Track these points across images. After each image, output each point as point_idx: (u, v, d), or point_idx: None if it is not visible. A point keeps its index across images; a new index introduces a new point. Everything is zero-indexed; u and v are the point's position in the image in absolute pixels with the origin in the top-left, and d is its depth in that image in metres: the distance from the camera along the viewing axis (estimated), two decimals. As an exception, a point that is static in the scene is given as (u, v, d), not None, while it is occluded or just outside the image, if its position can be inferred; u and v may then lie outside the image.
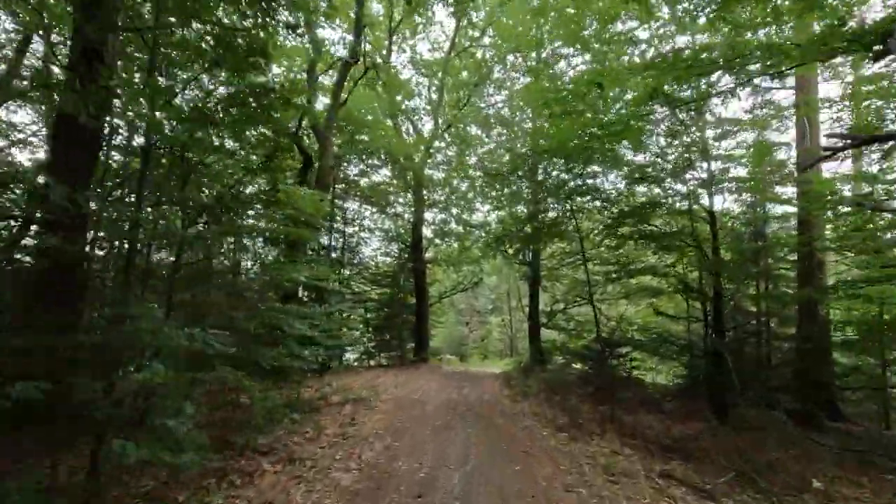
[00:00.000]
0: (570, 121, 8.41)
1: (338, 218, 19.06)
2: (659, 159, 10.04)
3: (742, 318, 11.29)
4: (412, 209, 19.39)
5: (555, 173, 10.95)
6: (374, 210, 20.26)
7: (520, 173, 12.19)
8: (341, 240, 18.78)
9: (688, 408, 9.52)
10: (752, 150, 10.07)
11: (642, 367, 14.76)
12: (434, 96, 19.59)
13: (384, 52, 16.47)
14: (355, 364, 18.09)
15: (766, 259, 11.23)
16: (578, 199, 11.16)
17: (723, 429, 7.80)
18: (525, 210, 14.73)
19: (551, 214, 12.59)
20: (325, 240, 17.63)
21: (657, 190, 10.38)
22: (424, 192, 19.40)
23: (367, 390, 9.43)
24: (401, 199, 20.56)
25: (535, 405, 8.70)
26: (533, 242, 11.20)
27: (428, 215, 21.24)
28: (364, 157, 15.94)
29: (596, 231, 13.24)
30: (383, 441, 5.98)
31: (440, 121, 19.01)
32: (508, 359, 32.75)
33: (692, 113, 9.29)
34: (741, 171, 9.92)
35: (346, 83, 11.80)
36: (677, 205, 10.11)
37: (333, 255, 18.21)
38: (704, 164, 9.64)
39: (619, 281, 13.57)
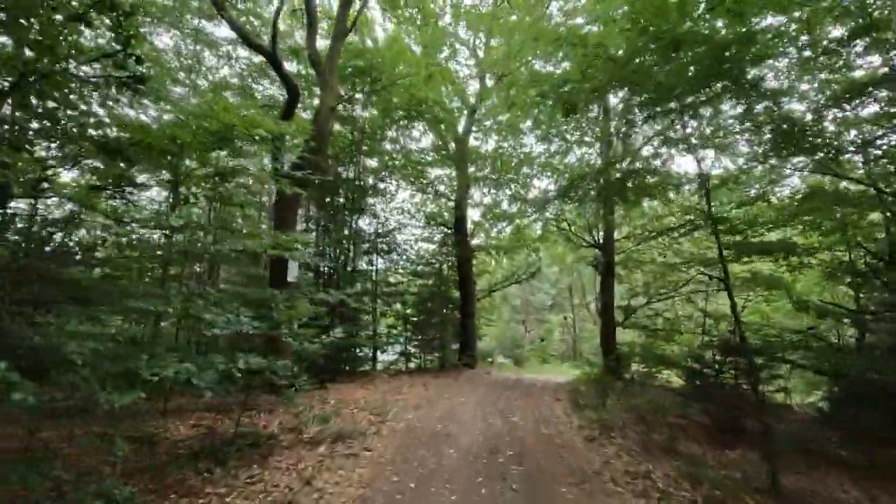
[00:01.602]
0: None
1: (370, 200, 16.61)
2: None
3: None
4: (455, 185, 16.46)
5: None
6: (412, 189, 17.56)
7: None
8: (374, 223, 16.23)
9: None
10: None
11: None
12: (480, 54, 16.56)
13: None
14: (391, 367, 15.53)
15: None
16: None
17: None
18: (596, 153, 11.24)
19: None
20: (362, 223, 15.24)
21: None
22: (470, 166, 16.40)
23: (374, 413, 6.65)
24: (442, 174, 17.71)
25: (625, 453, 5.45)
26: (619, 195, 7.75)
27: (476, 195, 18.29)
28: (398, 120, 13.14)
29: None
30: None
31: (487, 77, 15.93)
32: (571, 363, 28.88)
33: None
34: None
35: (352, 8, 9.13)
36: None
37: (366, 243, 15.76)
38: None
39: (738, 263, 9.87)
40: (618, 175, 7.64)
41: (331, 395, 7.75)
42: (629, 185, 7.20)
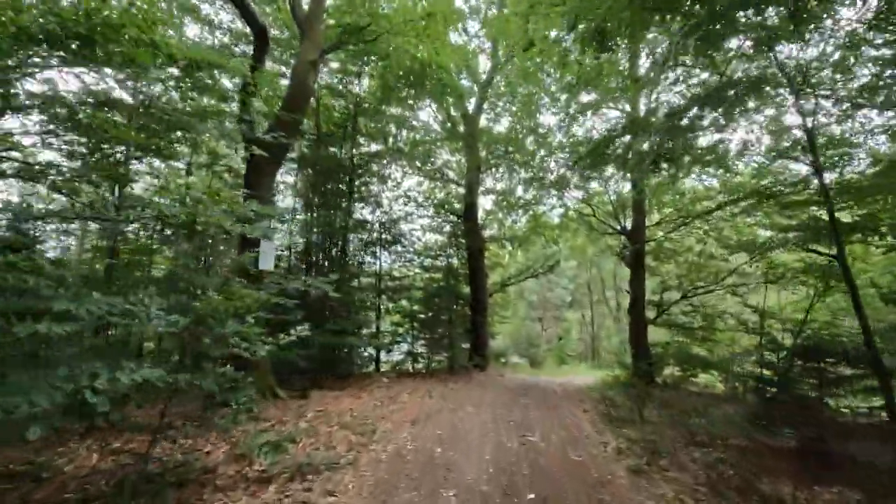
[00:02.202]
0: None
1: (374, 188, 15.31)
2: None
3: None
4: (464, 169, 15.05)
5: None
6: (419, 175, 16.19)
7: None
8: (377, 211, 14.90)
9: None
10: None
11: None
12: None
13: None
14: (396, 368, 14.24)
15: None
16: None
17: None
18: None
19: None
20: (367, 213, 13.96)
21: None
22: (481, 150, 14.97)
23: (358, 432, 5.31)
24: (451, 160, 16.31)
25: (688, 494, 4.00)
26: (660, 161, 6.21)
27: (488, 182, 16.85)
28: (399, 91, 11.68)
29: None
30: None
31: (500, 53, 14.48)
32: (589, 363, 27.20)
33: None
34: None
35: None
36: None
37: (365, 231, 14.48)
38: None
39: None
40: (654, 136, 6.12)
41: (311, 407, 6.43)
42: (673, 146, 5.68)
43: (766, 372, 6.65)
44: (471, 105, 15.10)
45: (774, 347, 6.98)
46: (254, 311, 4.51)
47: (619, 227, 11.97)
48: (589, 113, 11.37)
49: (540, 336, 20.14)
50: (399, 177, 16.83)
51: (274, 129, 6.21)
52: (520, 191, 16.11)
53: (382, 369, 15.09)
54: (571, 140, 12.03)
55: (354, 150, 11.80)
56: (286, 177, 13.80)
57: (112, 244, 7.24)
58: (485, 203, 16.84)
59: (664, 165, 5.94)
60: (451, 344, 13.96)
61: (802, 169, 7.64)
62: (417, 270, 15.87)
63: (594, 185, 12.93)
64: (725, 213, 10.20)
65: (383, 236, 14.96)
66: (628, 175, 10.44)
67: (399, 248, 15.50)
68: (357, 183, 12.85)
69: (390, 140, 13.87)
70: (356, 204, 14.02)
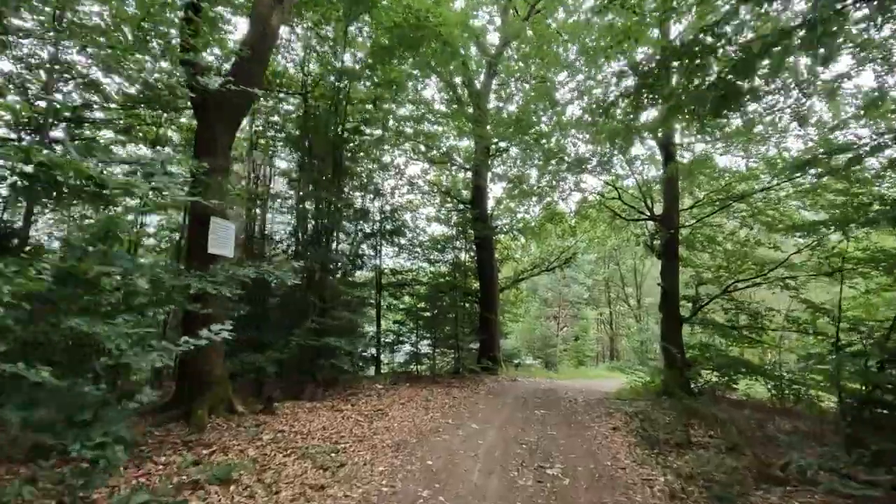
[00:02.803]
0: None
1: (375, 176, 14.06)
2: None
3: None
4: (473, 152, 13.69)
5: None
6: (423, 160, 14.90)
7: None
8: (377, 200, 13.65)
9: None
10: None
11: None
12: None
13: None
14: (396, 371, 13.01)
15: None
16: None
17: None
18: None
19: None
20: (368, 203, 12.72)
21: None
22: (490, 129, 13.58)
23: (320, 465, 4.02)
24: (457, 145, 14.97)
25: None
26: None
27: (499, 169, 15.46)
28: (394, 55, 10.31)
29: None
30: None
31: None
32: (607, 364, 25.62)
33: None
34: None
35: None
36: None
37: (367, 225, 13.26)
38: None
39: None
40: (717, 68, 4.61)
41: (273, 425, 5.16)
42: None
43: (852, 385, 5.19)
44: (479, 81, 13.75)
45: (858, 353, 5.52)
46: (168, 303, 3.25)
47: (646, 213, 10.48)
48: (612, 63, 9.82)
49: (555, 336, 18.68)
50: (402, 163, 15.64)
51: (229, 80, 4.96)
52: (533, 177, 14.67)
53: (384, 371, 13.91)
54: (592, 105, 10.55)
55: (345, 124, 10.48)
56: (280, 163, 12.66)
57: None
58: (495, 191, 15.51)
59: (730, 107, 4.50)
60: (457, 345, 12.65)
61: None
62: (422, 264, 14.61)
63: (617, 168, 11.46)
64: (779, 192, 8.70)
65: (384, 226, 13.71)
66: (661, 135, 9.00)
67: (402, 240, 14.24)
68: (351, 165, 11.57)
69: (386, 117, 12.50)
70: (354, 191, 12.80)
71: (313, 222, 9.60)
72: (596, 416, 7.23)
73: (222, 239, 5.37)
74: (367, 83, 10.72)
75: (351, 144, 11.02)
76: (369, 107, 11.82)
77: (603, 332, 27.83)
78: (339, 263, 11.18)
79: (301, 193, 10.47)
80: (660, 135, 9.50)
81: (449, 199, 14.56)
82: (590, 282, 25.01)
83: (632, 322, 27.39)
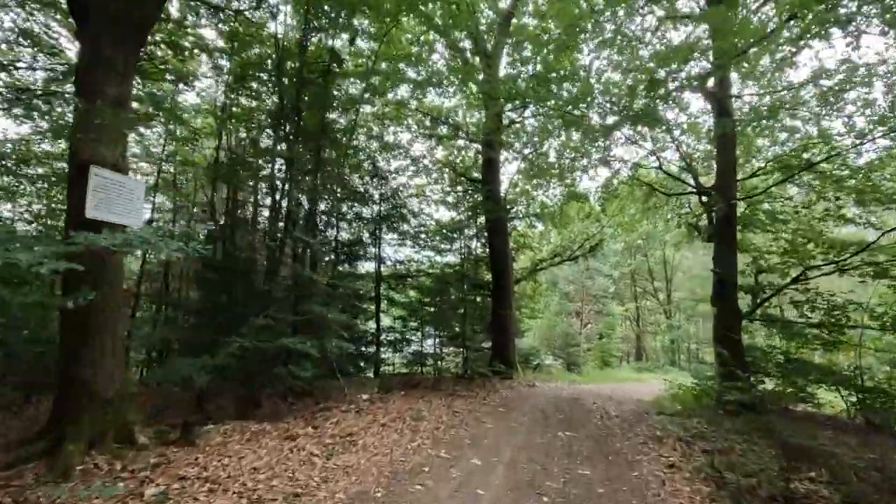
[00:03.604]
0: None
1: (376, 154, 12.50)
2: None
3: None
4: (483, 122, 11.96)
5: None
6: (423, 134, 13.25)
7: None
8: (374, 180, 12.09)
9: None
10: None
11: None
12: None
13: None
14: (394, 375, 11.49)
15: None
16: None
17: None
18: None
19: None
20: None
21: None
22: (505, 105, 11.80)
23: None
24: (463, 122, 13.26)
25: None
26: None
27: (514, 147, 13.68)
28: None
29: None
30: None
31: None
32: (635, 364, 23.47)
33: None
34: None
35: None
36: None
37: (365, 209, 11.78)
38: None
39: None
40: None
41: (180, 468, 3.57)
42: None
43: None
44: (489, 42, 11.97)
45: None
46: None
47: (693, 184, 8.61)
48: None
49: (578, 334, 16.78)
50: (406, 140, 14.00)
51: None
52: (552, 155, 12.82)
53: (382, 374, 12.40)
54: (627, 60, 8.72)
55: (333, 91, 8.90)
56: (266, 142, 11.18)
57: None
58: (509, 170, 13.72)
59: None
60: (464, 344, 10.97)
61: None
62: (427, 253, 12.96)
63: (657, 134, 9.56)
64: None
65: (384, 211, 12.13)
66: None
67: (405, 226, 12.61)
68: (342, 139, 9.99)
69: (385, 87, 10.87)
70: (350, 172, 11.25)
71: (286, 200, 8.02)
72: (639, 441, 5.47)
73: (113, 201, 3.80)
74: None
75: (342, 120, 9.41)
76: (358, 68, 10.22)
77: (628, 330, 25.74)
78: (325, 249, 9.65)
79: (279, 169, 8.95)
80: (711, 83, 7.64)
81: (457, 178, 12.85)
82: (616, 273, 22.93)
83: (660, 318, 25.23)
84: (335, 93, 9.85)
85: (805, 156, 7.92)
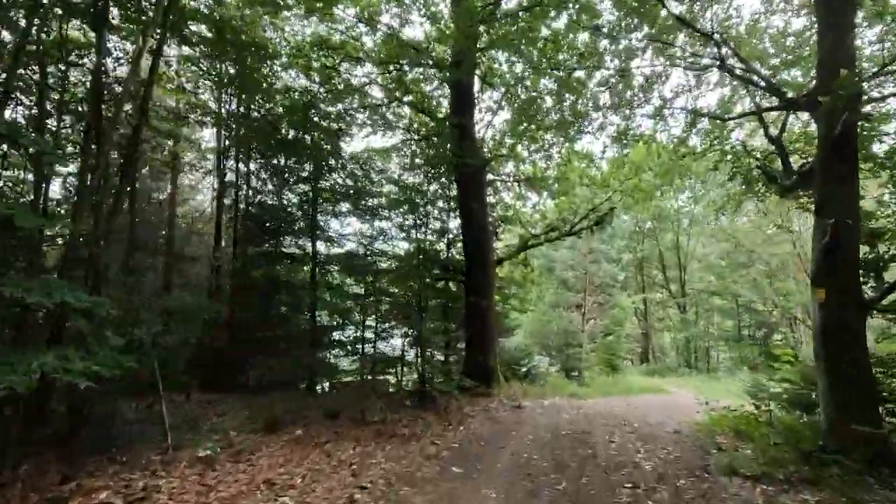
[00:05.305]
0: None
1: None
2: None
3: None
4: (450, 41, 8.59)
5: None
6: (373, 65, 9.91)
7: None
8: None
9: None
10: None
11: None
12: None
13: None
14: (338, 388, 8.40)
15: None
16: None
17: None
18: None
19: None
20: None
21: None
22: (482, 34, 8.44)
23: None
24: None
25: None
26: None
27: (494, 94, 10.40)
28: None
29: None
30: None
31: None
32: (645, 367, 20.13)
33: None
34: None
35: None
36: None
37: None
38: None
39: None
40: None
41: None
42: None
43: None
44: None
45: None
46: None
47: (778, 94, 5.34)
48: None
49: (580, 331, 13.55)
50: (344, 69, 10.44)
51: None
52: (549, 102, 9.46)
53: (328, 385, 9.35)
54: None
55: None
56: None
57: None
58: (489, 119, 10.35)
59: None
60: (422, 350, 7.73)
61: None
62: (382, 224, 9.62)
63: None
64: None
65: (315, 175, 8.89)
66: None
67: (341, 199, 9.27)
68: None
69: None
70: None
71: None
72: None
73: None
74: None
75: None
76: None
77: (634, 326, 22.54)
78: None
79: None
80: None
81: (417, 119, 9.55)
82: (625, 258, 19.66)
83: (673, 313, 22.04)
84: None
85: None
